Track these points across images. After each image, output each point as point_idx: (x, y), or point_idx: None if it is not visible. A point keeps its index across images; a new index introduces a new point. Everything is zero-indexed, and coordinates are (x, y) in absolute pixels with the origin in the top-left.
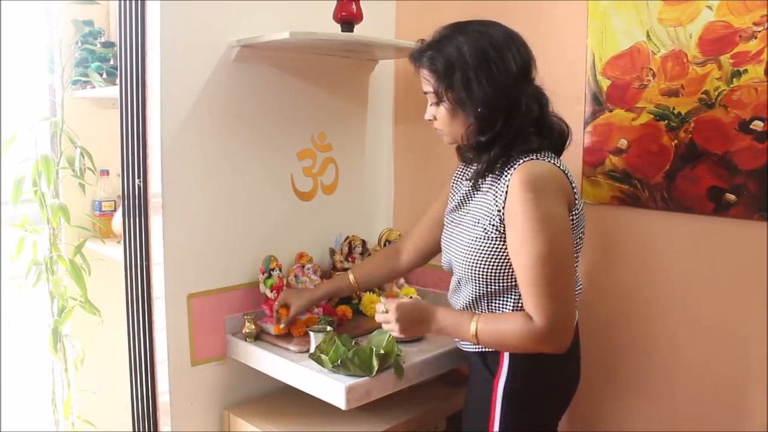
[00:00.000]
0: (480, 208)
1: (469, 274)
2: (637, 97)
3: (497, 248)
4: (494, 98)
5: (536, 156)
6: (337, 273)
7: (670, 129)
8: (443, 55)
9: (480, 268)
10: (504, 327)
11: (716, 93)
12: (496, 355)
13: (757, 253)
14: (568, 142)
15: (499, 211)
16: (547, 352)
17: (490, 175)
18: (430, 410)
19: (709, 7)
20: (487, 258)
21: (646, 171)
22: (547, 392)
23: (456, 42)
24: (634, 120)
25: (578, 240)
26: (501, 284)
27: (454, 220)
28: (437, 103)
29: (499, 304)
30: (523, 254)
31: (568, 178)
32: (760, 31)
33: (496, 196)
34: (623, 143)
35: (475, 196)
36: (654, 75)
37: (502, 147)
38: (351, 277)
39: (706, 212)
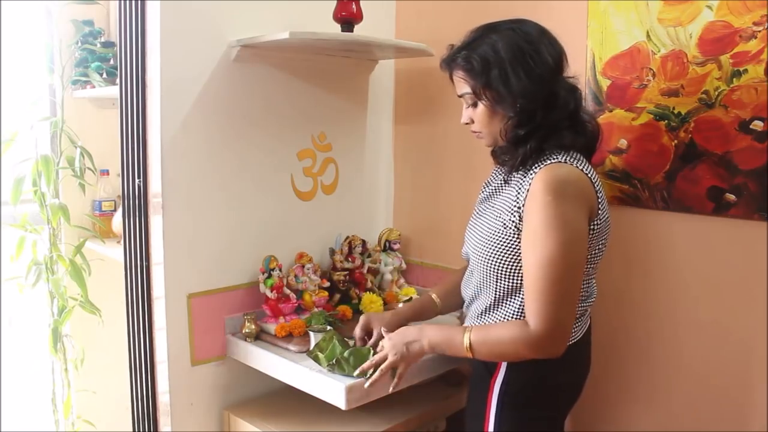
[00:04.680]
0: (504, 202)
1: (482, 265)
2: (637, 97)
3: (512, 244)
4: (533, 91)
5: (566, 158)
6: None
7: (670, 129)
8: (478, 54)
9: (492, 260)
10: (498, 335)
11: (716, 93)
12: None
13: (757, 253)
14: (599, 140)
15: (519, 208)
16: (542, 358)
17: (521, 170)
18: (430, 410)
19: (709, 7)
20: (501, 252)
21: (646, 171)
22: (544, 397)
23: (489, 40)
24: (634, 120)
25: (600, 248)
26: (510, 282)
27: (481, 211)
28: (474, 105)
29: (506, 301)
30: (531, 255)
31: (594, 186)
32: (760, 31)
33: (519, 193)
34: (623, 143)
35: (504, 190)
36: (654, 75)
37: (538, 140)
38: (433, 295)
39: (706, 212)
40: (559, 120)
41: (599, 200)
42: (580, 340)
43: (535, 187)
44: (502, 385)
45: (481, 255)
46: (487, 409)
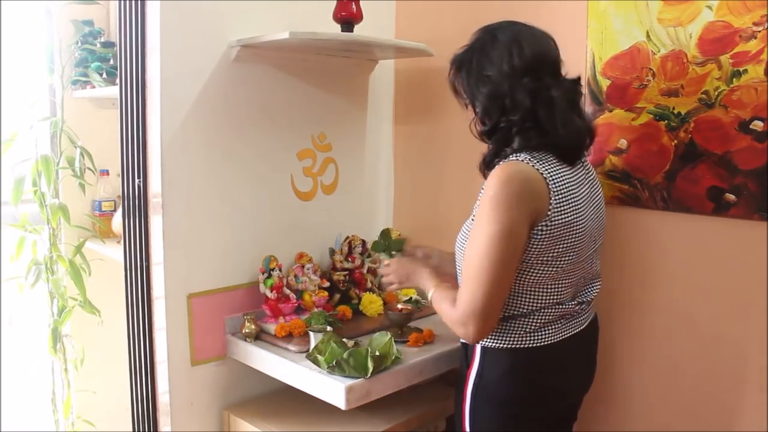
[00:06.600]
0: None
1: (458, 264)
2: (637, 97)
3: None
4: (487, 93)
5: (525, 158)
6: None
7: (670, 129)
8: (459, 57)
9: (461, 261)
10: (442, 304)
11: (716, 93)
12: (471, 348)
13: (757, 253)
14: (587, 142)
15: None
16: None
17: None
18: (430, 410)
19: (709, 7)
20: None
21: (646, 171)
22: (518, 394)
23: (469, 43)
24: (634, 120)
25: (562, 251)
26: None
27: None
28: (465, 105)
29: None
30: (468, 244)
31: (549, 187)
32: (760, 31)
33: (481, 190)
34: (623, 143)
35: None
36: (654, 75)
37: (498, 141)
38: None
39: (706, 212)
40: (516, 121)
41: (553, 201)
42: (555, 344)
43: (486, 183)
44: (475, 378)
45: (457, 253)
46: (463, 401)
